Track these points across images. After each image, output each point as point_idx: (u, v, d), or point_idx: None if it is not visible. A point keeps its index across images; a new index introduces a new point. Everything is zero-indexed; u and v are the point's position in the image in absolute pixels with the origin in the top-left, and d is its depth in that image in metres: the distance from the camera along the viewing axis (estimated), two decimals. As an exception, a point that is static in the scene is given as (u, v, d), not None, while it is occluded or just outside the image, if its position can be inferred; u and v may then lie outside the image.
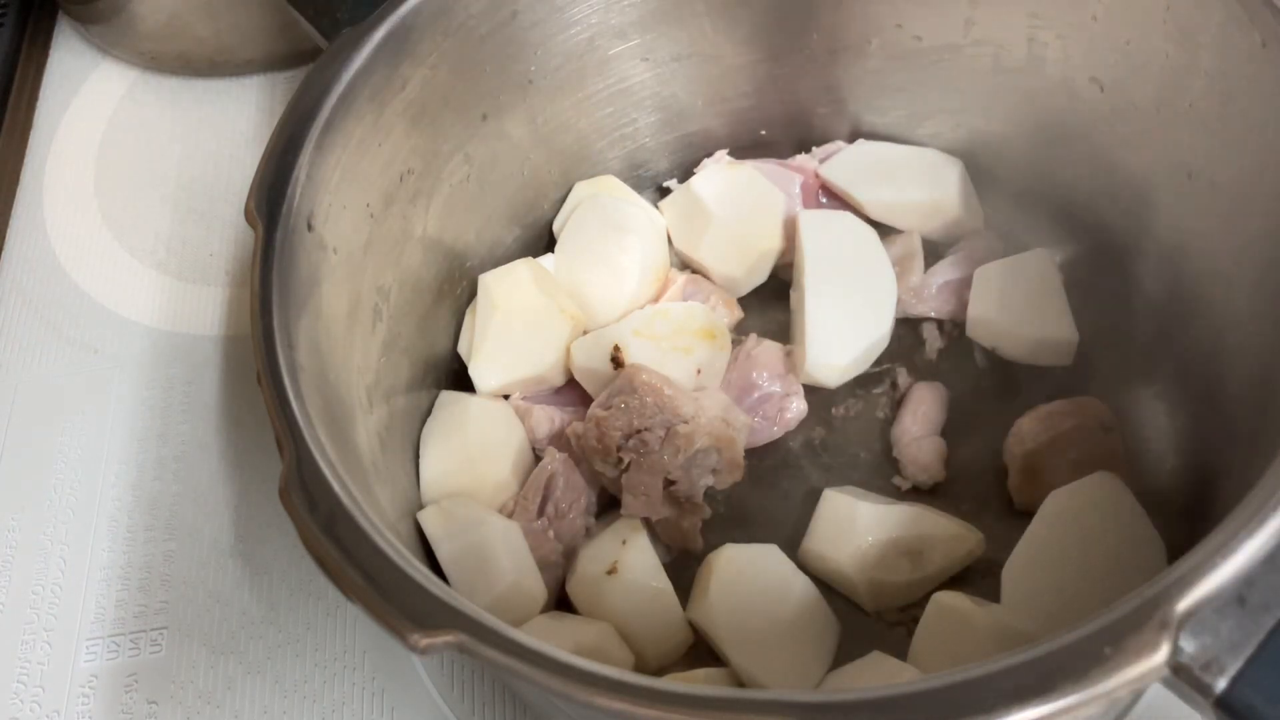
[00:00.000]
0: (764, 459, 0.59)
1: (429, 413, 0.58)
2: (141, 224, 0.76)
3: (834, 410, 0.61)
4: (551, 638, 0.44)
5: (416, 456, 0.56)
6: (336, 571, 0.37)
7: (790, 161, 0.67)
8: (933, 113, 0.65)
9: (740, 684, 0.50)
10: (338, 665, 0.57)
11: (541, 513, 0.55)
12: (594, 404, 0.55)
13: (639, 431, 0.54)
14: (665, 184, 0.69)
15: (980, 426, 0.59)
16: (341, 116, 0.49)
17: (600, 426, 0.54)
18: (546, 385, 0.60)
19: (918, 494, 0.57)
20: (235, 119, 0.81)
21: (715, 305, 0.63)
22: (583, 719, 0.45)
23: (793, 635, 0.51)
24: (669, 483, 0.54)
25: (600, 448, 0.54)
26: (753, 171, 0.64)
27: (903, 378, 0.61)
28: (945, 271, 0.62)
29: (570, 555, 0.55)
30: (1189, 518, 0.51)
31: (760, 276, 0.65)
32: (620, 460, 0.54)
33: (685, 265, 0.65)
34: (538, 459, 0.57)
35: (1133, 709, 0.50)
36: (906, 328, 0.63)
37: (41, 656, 0.58)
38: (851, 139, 0.67)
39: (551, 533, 0.54)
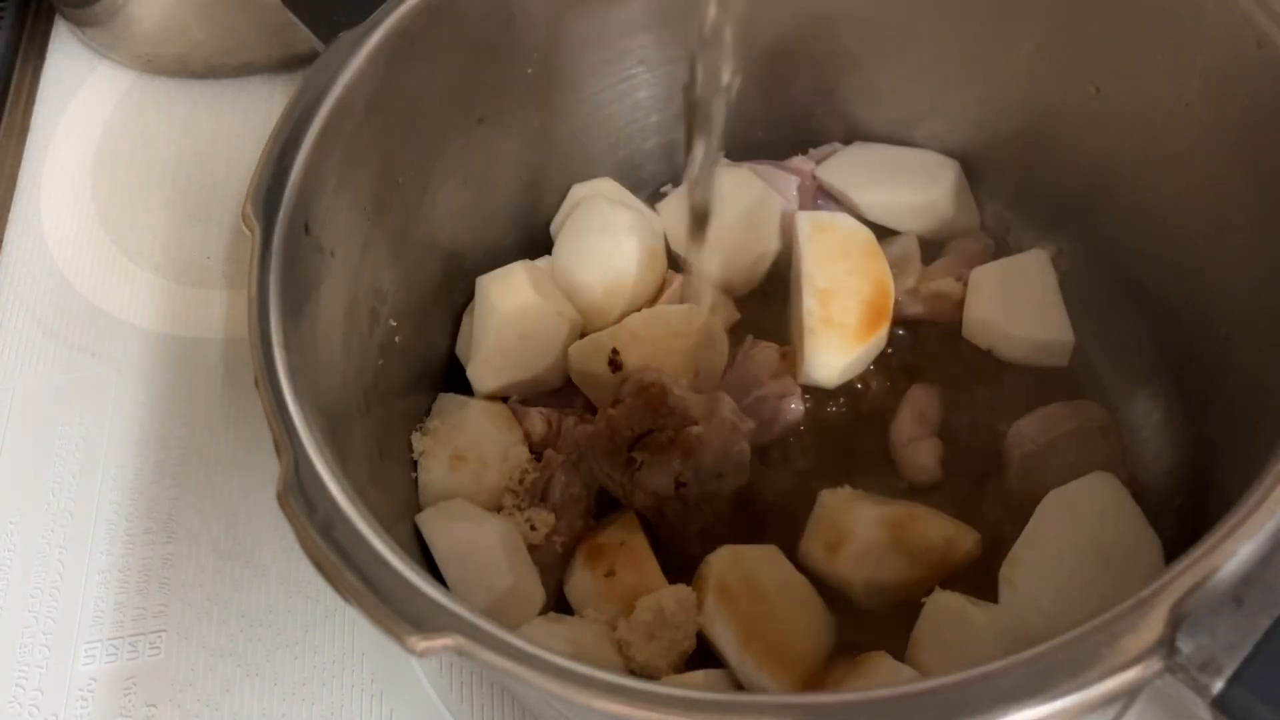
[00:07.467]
0: (762, 459, 0.59)
1: (427, 415, 0.58)
2: (139, 227, 0.76)
3: (831, 411, 0.61)
4: (550, 640, 0.44)
5: (414, 459, 0.56)
6: (335, 574, 0.37)
7: (787, 163, 0.67)
8: (929, 114, 0.65)
9: (739, 686, 0.50)
10: (336, 667, 0.57)
11: (540, 515, 0.55)
12: (606, 404, 0.55)
13: (650, 432, 0.54)
14: (662, 187, 0.69)
15: (977, 427, 0.59)
16: (338, 119, 0.49)
17: (612, 426, 0.54)
18: (544, 387, 0.60)
19: (915, 494, 0.57)
20: (232, 122, 0.81)
21: (713, 307, 0.63)
22: (581, 721, 0.45)
23: (791, 636, 0.51)
24: (678, 485, 0.54)
25: (611, 448, 0.54)
26: (750, 173, 0.64)
27: (900, 379, 0.61)
28: (942, 272, 0.62)
29: (568, 557, 0.55)
30: (1186, 518, 0.51)
31: (758, 278, 0.65)
32: (631, 460, 0.54)
33: (683, 267, 0.66)
34: (536, 461, 0.57)
35: (1130, 708, 0.50)
36: (904, 329, 0.63)
37: (40, 660, 0.58)
38: (848, 140, 0.67)
39: (550, 535, 0.54)
